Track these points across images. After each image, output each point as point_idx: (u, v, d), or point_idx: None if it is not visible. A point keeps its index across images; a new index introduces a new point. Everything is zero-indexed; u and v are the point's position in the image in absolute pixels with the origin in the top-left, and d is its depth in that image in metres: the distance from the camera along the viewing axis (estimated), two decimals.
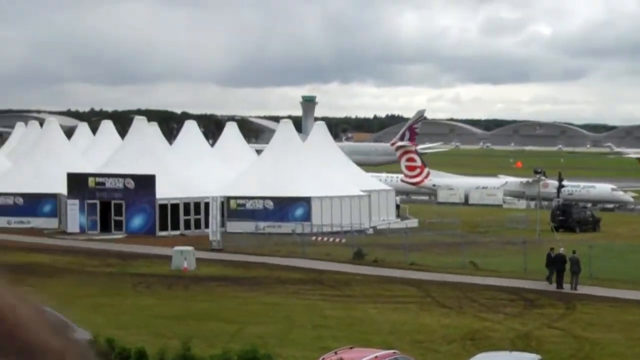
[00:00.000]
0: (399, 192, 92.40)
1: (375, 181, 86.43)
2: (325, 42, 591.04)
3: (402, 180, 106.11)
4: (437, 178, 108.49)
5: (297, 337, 34.72)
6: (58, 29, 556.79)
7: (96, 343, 22.88)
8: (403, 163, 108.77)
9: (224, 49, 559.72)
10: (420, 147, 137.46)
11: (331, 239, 66.71)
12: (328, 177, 74.25)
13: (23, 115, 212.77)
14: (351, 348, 27.19)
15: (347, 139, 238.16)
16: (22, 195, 74.78)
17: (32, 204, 74.72)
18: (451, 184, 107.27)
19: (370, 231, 73.20)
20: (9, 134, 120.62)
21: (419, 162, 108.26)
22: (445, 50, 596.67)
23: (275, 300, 42.85)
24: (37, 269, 51.84)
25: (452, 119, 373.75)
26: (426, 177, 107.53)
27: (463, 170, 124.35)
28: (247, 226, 69.68)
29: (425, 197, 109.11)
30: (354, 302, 42.49)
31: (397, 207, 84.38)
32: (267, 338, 33.45)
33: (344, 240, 65.24)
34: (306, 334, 35.21)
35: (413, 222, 79.89)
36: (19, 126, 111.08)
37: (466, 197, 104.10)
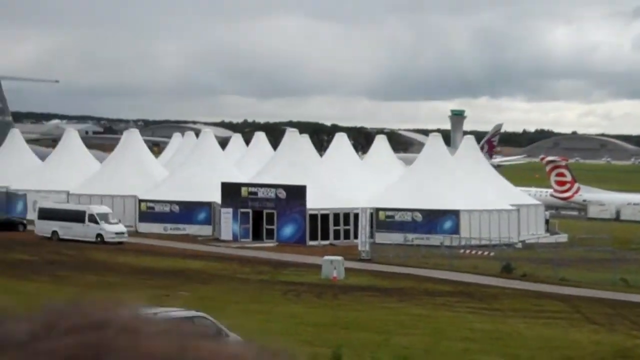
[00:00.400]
0: (548, 206, 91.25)
1: (525, 195, 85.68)
2: (475, 56, 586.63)
3: (552, 195, 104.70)
4: (588, 193, 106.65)
5: (445, 349, 34.81)
6: (215, 42, 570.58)
7: None
8: (553, 178, 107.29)
9: (375, 62, 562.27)
10: (497, 160, 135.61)
11: (479, 252, 66.62)
12: (477, 191, 74.13)
13: (180, 126, 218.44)
14: None
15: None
16: (178, 203, 77.04)
17: (188, 211, 76.93)
18: (602, 199, 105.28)
19: (519, 245, 72.67)
20: (166, 143, 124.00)
21: (569, 177, 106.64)
22: (597, 66, 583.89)
23: (422, 311, 43.09)
24: (191, 275, 53.37)
25: (603, 135, 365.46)
26: (576, 192, 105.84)
27: (614, 186, 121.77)
28: (395, 237, 70.16)
29: (575, 213, 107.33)
30: (502, 316, 42.41)
31: (546, 221, 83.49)
32: (414, 349, 33.73)
33: (492, 254, 65.06)
34: (454, 346, 35.27)
35: (562, 237, 78.92)
36: (176, 136, 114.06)
37: (617, 213, 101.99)
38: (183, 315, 28.30)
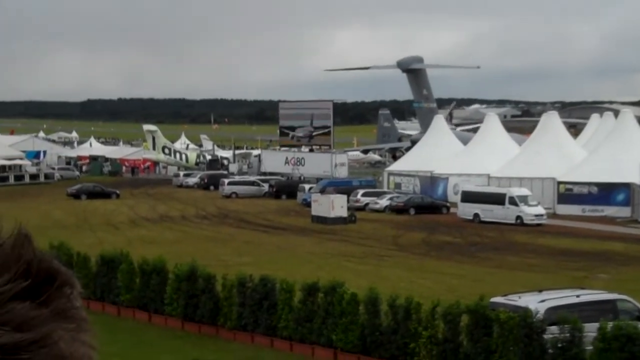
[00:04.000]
0: None
1: None
2: None
3: None
4: None
5: None
6: (631, 20, 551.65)
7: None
8: None
9: None
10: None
11: None
12: None
13: (596, 107, 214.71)
14: None
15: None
16: (597, 184, 76.63)
17: (606, 193, 76.20)
18: None
19: None
20: (583, 125, 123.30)
21: None
22: None
23: None
24: (611, 256, 53.26)
25: None
26: None
27: None
28: None
29: None
30: None
31: None
32: None
33: None
34: None
35: None
36: (594, 117, 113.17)
37: None
38: (605, 298, 28.77)
